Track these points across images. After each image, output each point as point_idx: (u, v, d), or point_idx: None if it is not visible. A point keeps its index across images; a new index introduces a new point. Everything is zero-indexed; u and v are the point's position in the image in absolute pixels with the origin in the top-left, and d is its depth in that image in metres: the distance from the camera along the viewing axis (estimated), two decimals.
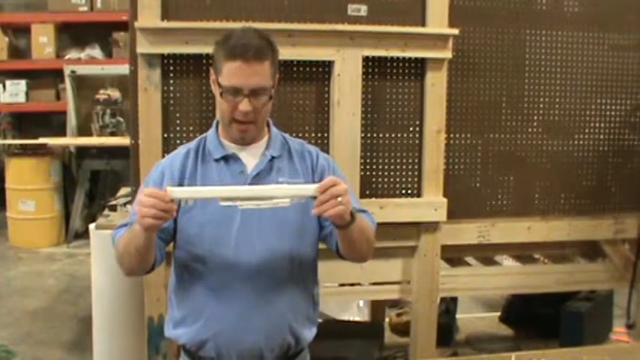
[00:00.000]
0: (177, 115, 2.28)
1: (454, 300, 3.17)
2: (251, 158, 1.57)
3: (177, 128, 2.29)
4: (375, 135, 2.42)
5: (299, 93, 2.35)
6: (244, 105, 1.46)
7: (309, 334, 1.60)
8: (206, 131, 2.19)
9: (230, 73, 1.45)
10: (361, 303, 3.46)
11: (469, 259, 2.69)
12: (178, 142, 2.26)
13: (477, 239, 2.54)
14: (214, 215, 1.51)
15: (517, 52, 2.51)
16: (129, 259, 1.47)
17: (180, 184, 1.52)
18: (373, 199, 2.41)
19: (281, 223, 1.53)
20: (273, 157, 1.58)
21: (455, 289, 2.61)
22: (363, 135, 2.38)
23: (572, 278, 2.66)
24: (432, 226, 2.44)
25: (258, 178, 1.55)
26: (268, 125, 1.64)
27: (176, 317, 1.56)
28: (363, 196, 2.40)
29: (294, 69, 2.33)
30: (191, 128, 2.28)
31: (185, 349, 1.56)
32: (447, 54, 2.37)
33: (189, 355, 1.55)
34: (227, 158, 1.56)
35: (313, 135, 2.37)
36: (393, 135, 2.43)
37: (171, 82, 2.26)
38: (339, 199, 1.34)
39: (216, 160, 1.55)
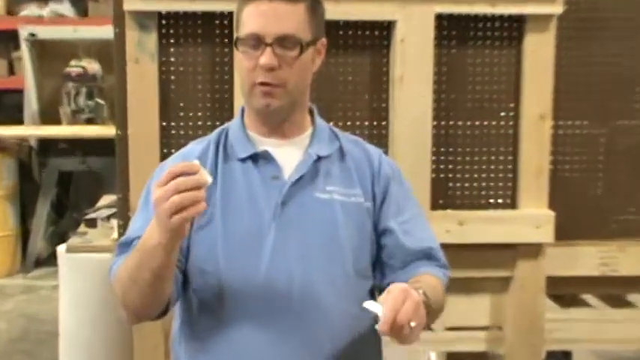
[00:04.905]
0: (181, 96, 2.37)
1: (567, 355, 3.23)
2: (289, 158, 1.64)
3: (181, 114, 2.38)
4: (451, 123, 2.47)
5: (346, 66, 2.42)
6: (266, 56, 1.52)
7: None
8: (221, 118, 2.35)
9: (250, 17, 1.55)
10: (433, 356, 3.53)
11: (588, 298, 2.73)
12: (182, 132, 2.37)
13: (598, 269, 2.57)
14: (240, 227, 1.59)
15: None
16: (139, 292, 1.48)
17: None
18: (449, 211, 2.48)
19: (330, 241, 1.60)
20: (319, 158, 1.65)
21: (568, 340, 2.63)
22: (435, 123, 2.43)
23: None
24: (533, 250, 2.47)
25: (299, 185, 1.61)
26: (312, 114, 1.73)
27: None
28: (435, 206, 2.46)
29: (340, 33, 2.40)
30: (199, 114, 2.38)
31: None
32: (556, 8, 2.40)
33: None
34: (256, 158, 1.63)
35: (366, 124, 2.44)
36: (477, 123, 2.48)
37: (172, 50, 2.35)
38: (412, 323, 1.36)
39: (242, 160, 1.64)
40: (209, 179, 1.37)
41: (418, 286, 1.47)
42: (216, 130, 1.73)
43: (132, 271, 1.48)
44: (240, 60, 1.60)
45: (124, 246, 1.59)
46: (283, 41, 1.55)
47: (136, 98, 2.35)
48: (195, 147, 1.71)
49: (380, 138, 2.45)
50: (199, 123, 2.39)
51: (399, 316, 1.34)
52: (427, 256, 1.71)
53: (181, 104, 2.40)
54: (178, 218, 1.33)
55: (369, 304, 1.42)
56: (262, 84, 1.57)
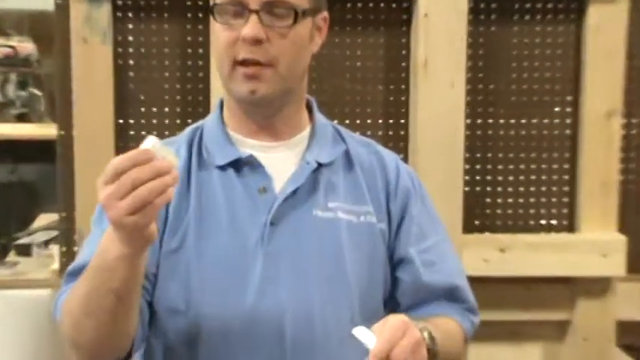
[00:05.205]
0: (142, 85, 2.40)
1: None
2: (281, 165, 1.61)
3: (142, 109, 2.40)
4: (490, 122, 2.50)
5: (354, 48, 2.45)
6: (251, 26, 1.50)
7: None
8: (194, 114, 2.40)
9: None
10: None
11: None
12: (144, 132, 2.37)
13: None
14: (219, 254, 1.56)
15: None
16: (95, 325, 1.41)
17: (166, 206, 1.52)
18: (487, 234, 2.51)
19: (332, 273, 1.58)
20: (320, 165, 1.62)
21: None
22: (469, 121, 2.46)
23: None
24: (598, 286, 2.48)
25: (293, 200, 1.59)
26: (310, 109, 1.70)
27: None
28: (469, 229, 2.47)
29: (347, 6, 2.44)
30: (166, 109, 2.41)
31: None
32: None
33: None
34: (239, 165, 1.60)
35: (380, 122, 2.47)
36: (523, 121, 2.50)
37: (130, 27, 2.38)
38: None
39: (221, 168, 1.61)
40: (174, 160, 1.30)
41: (422, 327, 1.44)
42: (188, 129, 1.69)
43: (85, 298, 1.42)
44: (218, 32, 1.56)
45: (75, 275, 1.52)
46: (272, 7, 1.52)
47: (84, 88, 2.34)
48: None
49: (397, 140, 2.47)
50: (166, 121, 2.41)
51: (394, 351, 1.32)
52: (450, 295, 1.69)
53: (142, 96, 2.42)
54: (141, 216, 1.26)
55: (360, 332, 1.38)
56: (245, 63, 1.53)
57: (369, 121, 2.47)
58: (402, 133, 2.48)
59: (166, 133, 2.33)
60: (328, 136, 1.69)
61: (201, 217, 1.59)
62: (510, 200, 2.54)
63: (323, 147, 1.66)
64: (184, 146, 1.65)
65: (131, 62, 2.42)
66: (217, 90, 2.24)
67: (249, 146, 1.63)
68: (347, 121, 2.39)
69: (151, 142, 1.30)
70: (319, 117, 1.71)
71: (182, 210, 1.58)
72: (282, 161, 1.63)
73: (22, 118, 5.44)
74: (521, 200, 2.54)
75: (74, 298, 1.45)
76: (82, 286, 1.43)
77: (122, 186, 1.25)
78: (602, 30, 2.46)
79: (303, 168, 1.62)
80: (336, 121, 1.81)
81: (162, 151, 1.30)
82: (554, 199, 2.54)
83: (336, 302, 1.59)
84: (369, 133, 2.38)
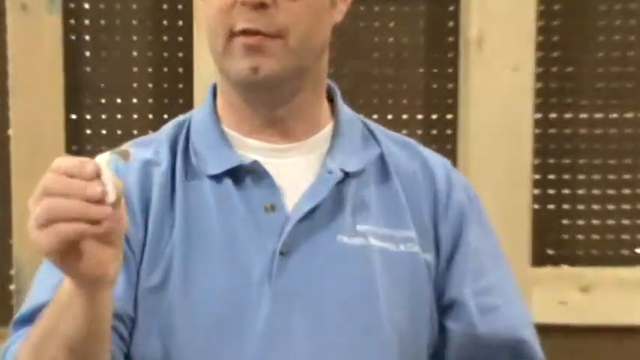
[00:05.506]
0: (102, 69, 2.46)
1: None
2: (294, 175, 1.57)
3: (102, 100, 2.46)
4: (568, 117, 2.54)
5: (386, 20, 2.51)
6: None
7: None
8: (172, 107, 2.33)
9: None
10: None
11: None
12: (104, 131, 2.45)
13: None
14: (211, 294, 1.52)
15: None
16: None
17: (145, 227, 1.54)
18: (565, 268, 2.54)
19: (362, 320, 1.53)
20: (346, 175, 1.57)
21: None
22: (539, 116, 2.49)
23: None
24: None
25: (311, 222, 1.54)
26: (331, 99, 1.63)
27: None
28: (539, 261, 2.50)
29: None
30: (134, 100, 2.47)
31: None
32: None
33: None
34: (239, 174, 1.56)
35: (420, 117, 2.51)
36: (613, 116, 2.53)
37: None
38: None
39: (215, 178, 1.57)
40: (111, 196, 1.18)
41: None
42: (171, 124, 1.62)
43: (39, 345, 1.38)
44: (208, 7, 1.53)
45: (28, 321, 1.47)
46: None
47: (24, 73, 2.41)
48: (135, 154, 1.65)
49: (443, 142, 2.51)
50: (134, 116, 2.48)
51: None
52: (512, 351, 1.63)
53: (102, 84, 2.47)
54: (50, 236, 1.16)
55: None
56: (245, 33, 1.49)
57: (404, 116, 2.47)
58: (449, 132, 2.51)
59: (134, 131, 2.29)
60: (357, 134, 1.63)
61: (188, 243, 1.54)
62: (596, 222, 2.53)
63: (350, 150, 1.60)
64: (165, 147, 1.59)
65: (87, 38, 2.47)
66: (203, 74, 2.24)
67: (252, 149, 1.58)
68: (375, 117, 2.33)
69: (104, 158, 1.22)
70: (344, 109, 1.63)
71: (164, 234, 1.54)
72: (295, 169, 1.59)
73: None
74: (610, 222, 2.52)
75: (27, 347, 1.41)
76: (38, 328, 1.38)
77: (37, 189, 1.16)
78: None
79: (323, 179, 1.56)
80: (363, 115, 1.74)
81: (110, 176, 1.20)
82: None
83: (367, 356, 1.55)
84: (404, 132, 2.32)
